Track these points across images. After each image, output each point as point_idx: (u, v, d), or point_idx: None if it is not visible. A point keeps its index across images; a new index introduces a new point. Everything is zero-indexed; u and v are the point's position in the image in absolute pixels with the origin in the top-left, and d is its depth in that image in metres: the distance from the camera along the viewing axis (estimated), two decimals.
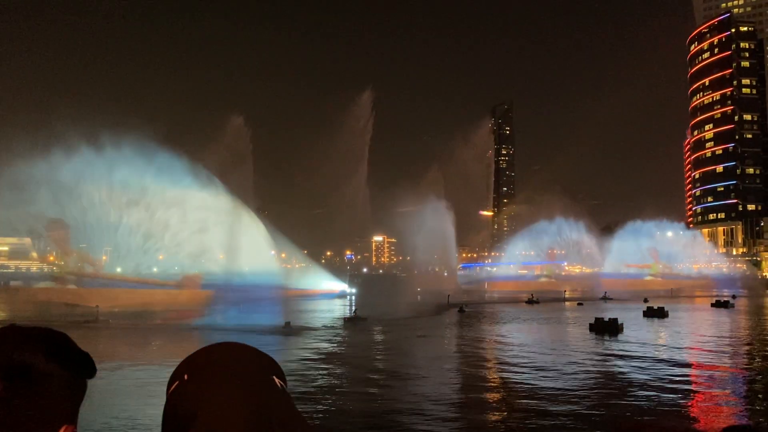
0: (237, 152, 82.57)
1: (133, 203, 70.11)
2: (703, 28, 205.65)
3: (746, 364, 31.63)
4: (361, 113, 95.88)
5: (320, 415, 19.30)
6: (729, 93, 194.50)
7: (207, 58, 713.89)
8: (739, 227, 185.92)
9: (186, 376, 1.17)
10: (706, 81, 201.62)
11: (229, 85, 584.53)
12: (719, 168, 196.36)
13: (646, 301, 71.92)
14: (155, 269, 76.90)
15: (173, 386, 1.18)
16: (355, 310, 61.62)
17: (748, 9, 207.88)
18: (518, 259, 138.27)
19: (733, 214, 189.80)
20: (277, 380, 1.20)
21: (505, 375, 27.90)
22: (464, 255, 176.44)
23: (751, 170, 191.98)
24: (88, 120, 67.89)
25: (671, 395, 22.64)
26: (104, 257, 75.19)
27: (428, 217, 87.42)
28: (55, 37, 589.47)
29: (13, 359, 1.08)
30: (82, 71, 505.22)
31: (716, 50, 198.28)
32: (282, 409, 1.14)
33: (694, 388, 24.73)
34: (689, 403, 21.88)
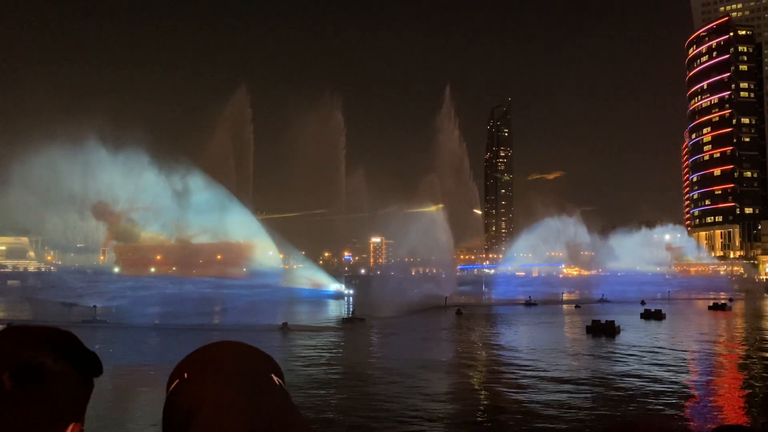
0: (236, 152, 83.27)
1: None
2: (701, 31, 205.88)
3: (742, 366, 31.73)
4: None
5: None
6: (727, 96, 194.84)
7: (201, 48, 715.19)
8: (737, 230, 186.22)
9: (186, 375, 1.18)
10: (705, 84, 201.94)
11: (224, 80, 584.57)
12: (717, 171, 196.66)
13: (643, 303, 71.79)
14: None
15: (173, 385, 1.18)
16: (353, 310, 61.71)
17: (747, 13, 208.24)
18: (516, 261, 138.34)
19: (730, 218, 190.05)
20: (275, 378, 1.20)
21: (505, 378, 27.95)
22: (462, 257, 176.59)
23: (748, 173, 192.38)
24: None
25: (667, 396, 22.73)
26: None
27: (425, 220, 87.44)
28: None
29: (23, 358, 1.10)
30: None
31: (714, 54, 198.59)
32: (280, 407, 1.15)
33: (690, 390, 24.81)
34: (685, 404, 21.97)
